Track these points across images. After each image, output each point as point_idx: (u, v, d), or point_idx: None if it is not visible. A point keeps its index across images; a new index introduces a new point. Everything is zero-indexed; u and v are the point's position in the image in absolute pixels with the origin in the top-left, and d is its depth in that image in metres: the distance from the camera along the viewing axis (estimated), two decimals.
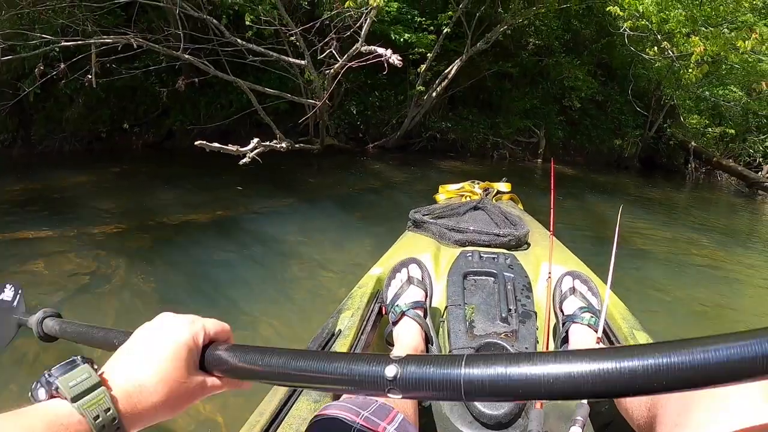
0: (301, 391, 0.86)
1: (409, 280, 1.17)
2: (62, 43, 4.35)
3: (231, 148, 3.94)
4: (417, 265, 1.22)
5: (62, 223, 3.46)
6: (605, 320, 1.06)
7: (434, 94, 6.16)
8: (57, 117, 5.73)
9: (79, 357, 0.40)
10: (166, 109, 5.87)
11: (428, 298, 1.15)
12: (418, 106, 6.23)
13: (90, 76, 4.41)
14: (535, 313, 1.12)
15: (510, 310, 1.10)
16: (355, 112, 6.16)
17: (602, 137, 8.13)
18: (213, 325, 0.48)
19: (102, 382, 0.39)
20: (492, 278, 1.23)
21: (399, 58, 3.96)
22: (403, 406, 0.73)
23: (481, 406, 0.87)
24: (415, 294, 1.14)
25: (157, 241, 3.31)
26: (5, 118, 5.48)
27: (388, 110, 6.39)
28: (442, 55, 6.23)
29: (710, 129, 8.86)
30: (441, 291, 1.23)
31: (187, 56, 4.52)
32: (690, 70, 6.62)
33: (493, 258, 1.31)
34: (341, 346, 1.01)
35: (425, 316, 1.09)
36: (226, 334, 0.50)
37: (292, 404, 0.84)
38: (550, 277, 1.21)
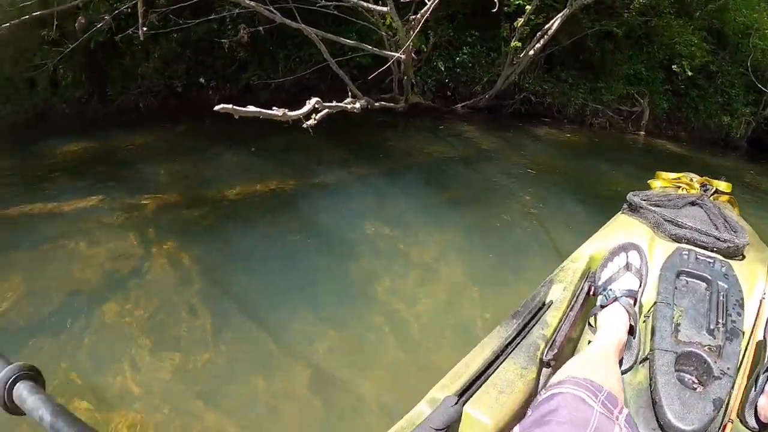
0: (510, 353, 0.94)
1: (627, 266, 1.15)
2: None
3: (275, 112, 2.81)
4: (637, 252, 1.19)
5: (109, 193, 3.18)
6: None
7: (531, 52, 5.52)
8: (132, 72, 5.55)
9: None
10: (244, 63, 5.58)
11: (641, 289, 1.12)
12: (513, 64, 5.61)
13: (144, 28, 4.14)
14: (743, 332, 1.05)
15: (719, 323, 1.05)
16: (443, 68, 5.62)
17: (710, 112, 7.20)
18: None
19: None
20: (705, 284, 1.17)
21: None
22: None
23: (671, 416, 0.85)
24: (630, 281, 1.12)
25: (211, 218, 2.98)
26: (80, 76, 5.34)
27: (479, 68, 5.80)
28: (539, 9, 5.58)
29: None
30: (651, 285, 1.18)
31: (248, 2, 4.11)
32: None
33: (710, 262, 1.22)
34: (552, 318, 1.04)
35: (635, 306, 1.07)
36: None
37: (498, 365, 0.91)
38: (764, 297, 1.13)
